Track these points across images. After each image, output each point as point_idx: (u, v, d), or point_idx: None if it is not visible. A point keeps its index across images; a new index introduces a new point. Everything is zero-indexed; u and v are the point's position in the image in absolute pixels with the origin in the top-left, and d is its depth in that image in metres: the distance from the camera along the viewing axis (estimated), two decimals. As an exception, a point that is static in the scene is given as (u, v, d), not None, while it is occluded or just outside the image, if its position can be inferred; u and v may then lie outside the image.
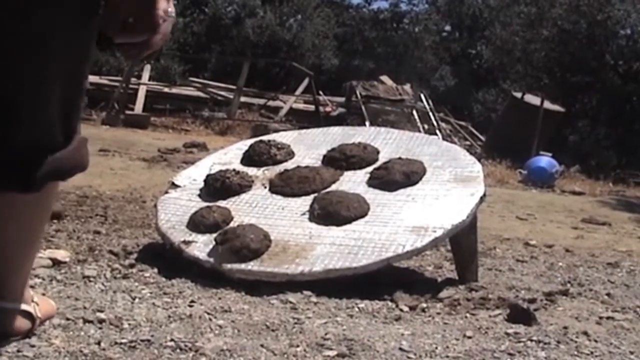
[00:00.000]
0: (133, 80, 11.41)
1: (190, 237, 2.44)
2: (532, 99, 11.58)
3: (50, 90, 1.36)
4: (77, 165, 1.47)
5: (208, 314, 1.89)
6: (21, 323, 1.57)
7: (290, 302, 2.11)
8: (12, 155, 1.35)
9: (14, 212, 1.45)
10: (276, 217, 2.52)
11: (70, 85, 1.40)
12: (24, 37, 1.31)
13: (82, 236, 2.69)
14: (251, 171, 2.79)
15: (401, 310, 2.15)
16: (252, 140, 3.05)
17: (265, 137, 3.08)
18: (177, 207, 2.63)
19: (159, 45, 1.42)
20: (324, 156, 2.83)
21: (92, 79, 12.20)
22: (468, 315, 2.14)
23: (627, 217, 5.79)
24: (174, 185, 2.78)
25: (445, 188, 2.55)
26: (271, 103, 12.58)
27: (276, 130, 6.24)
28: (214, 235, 2.40)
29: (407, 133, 3.08)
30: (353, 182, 2.66)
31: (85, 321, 1.74)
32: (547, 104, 11.41)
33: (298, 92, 12.82)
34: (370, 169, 2.71)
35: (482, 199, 2.51)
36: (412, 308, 2.18)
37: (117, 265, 2.32)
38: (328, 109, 12.39)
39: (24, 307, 1.57)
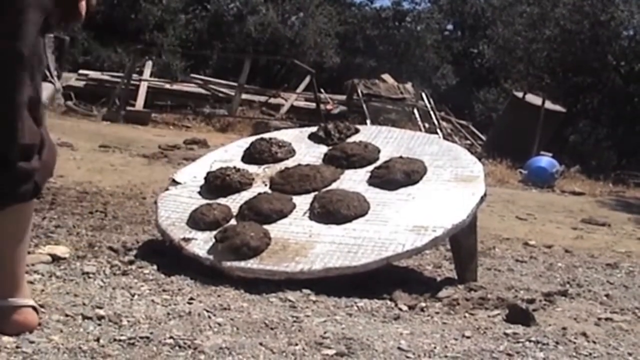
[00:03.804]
0: (134, 76, 11.40)
1: (190, 235, 2.44)
2: (534, 99, 11.55)
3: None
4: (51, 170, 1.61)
5: (207, 311, 1.89)
6: (32, 317, 1.60)
7: (290, 301, 2.11)
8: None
9: (16, 216, 1.56)
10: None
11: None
12: None
13: (81, 232, 2.69)
14: (252, 169, 2.79)
15: (400, 309, 2.16)
16: (253, 138, 3.05)
17: (266, 135, 3.08)
18: (177, 204, 2.63)
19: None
20: (325, 154, 2.83)
21: (94, 75, 12.22)
22: (467, 315, 2.14)
23: (626, 217, 5.79)
24: (174, 182, 2.78)
25: (446, 187, 2.55)
26: (272, 100, 12.56)
27: (277, 128, 6.25)
28: (214, 232, 2.40)
29: (408, 132, 3.08)
30: (354, 180, 2.66)
31: (85, 317, 1.74)
32: (549, 104, 11.38)
33: (299, 89, 12.81)
34: (371, 167, 2.71)
35: (482, 199, 2.51)
36: (411, 307, 2.18)
37: (117, 262, 2.32)
38: (329, 106, 12.38)
39: (31, 302, 1.62)
